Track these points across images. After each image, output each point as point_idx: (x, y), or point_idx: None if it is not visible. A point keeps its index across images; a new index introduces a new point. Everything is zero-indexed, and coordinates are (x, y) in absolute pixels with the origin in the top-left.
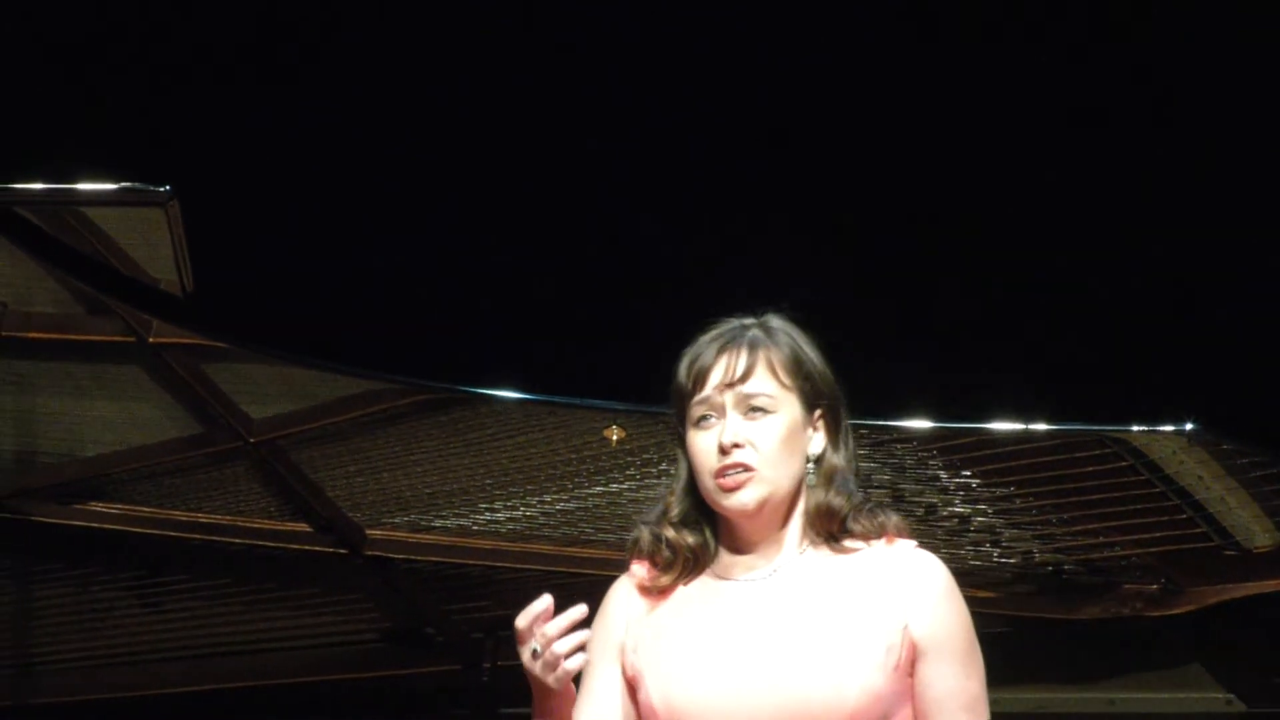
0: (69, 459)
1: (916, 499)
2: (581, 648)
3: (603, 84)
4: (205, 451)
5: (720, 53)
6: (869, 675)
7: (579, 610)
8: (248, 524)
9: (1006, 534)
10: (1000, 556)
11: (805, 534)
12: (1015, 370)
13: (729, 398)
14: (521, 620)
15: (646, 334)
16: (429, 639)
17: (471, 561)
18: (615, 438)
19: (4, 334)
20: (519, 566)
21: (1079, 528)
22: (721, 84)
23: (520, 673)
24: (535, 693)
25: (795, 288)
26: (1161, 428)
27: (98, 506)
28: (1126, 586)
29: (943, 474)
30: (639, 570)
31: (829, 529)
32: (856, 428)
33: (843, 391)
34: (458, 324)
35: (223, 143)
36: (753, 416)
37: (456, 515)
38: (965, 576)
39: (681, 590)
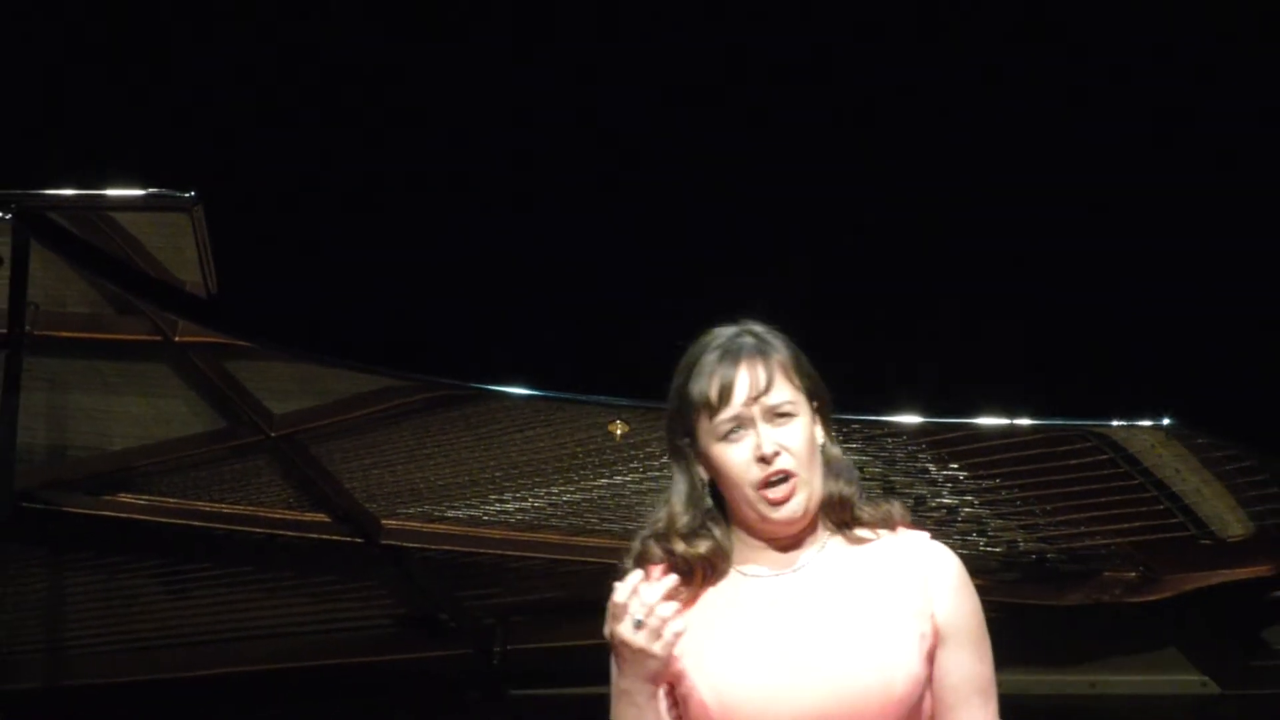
0: (98, 453)
1: (907, 491)
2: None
3: (606, 86)
4: (228, 445)
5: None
6: (911, 662)
7: (673, 578)
8: (268, 514)
9: (992, 524)
10: (987, 546)
11: (823, 526)
12: (1001, 367)
13: (756, 410)
14: (620, 594)
15: (648, 333)
16: (442, 625)
17: (483, 550)
18: (619, 432)
19: (37, 333)
20: (528, 555)
21: (1061, 518)
22: (690, 78)
23: (528, 657)
24: (627, 681)
25: (784, 287)
26: (1140, 422)
27: (126, 498)
28: (1107, 574)
29: (932, 467)
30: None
31: (841, 518)
32: (850, 422)
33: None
34: (470, 324)
35: (245, 150)
36: (779, 423)
37: (468, 506)
38: None
39: (710, 590)
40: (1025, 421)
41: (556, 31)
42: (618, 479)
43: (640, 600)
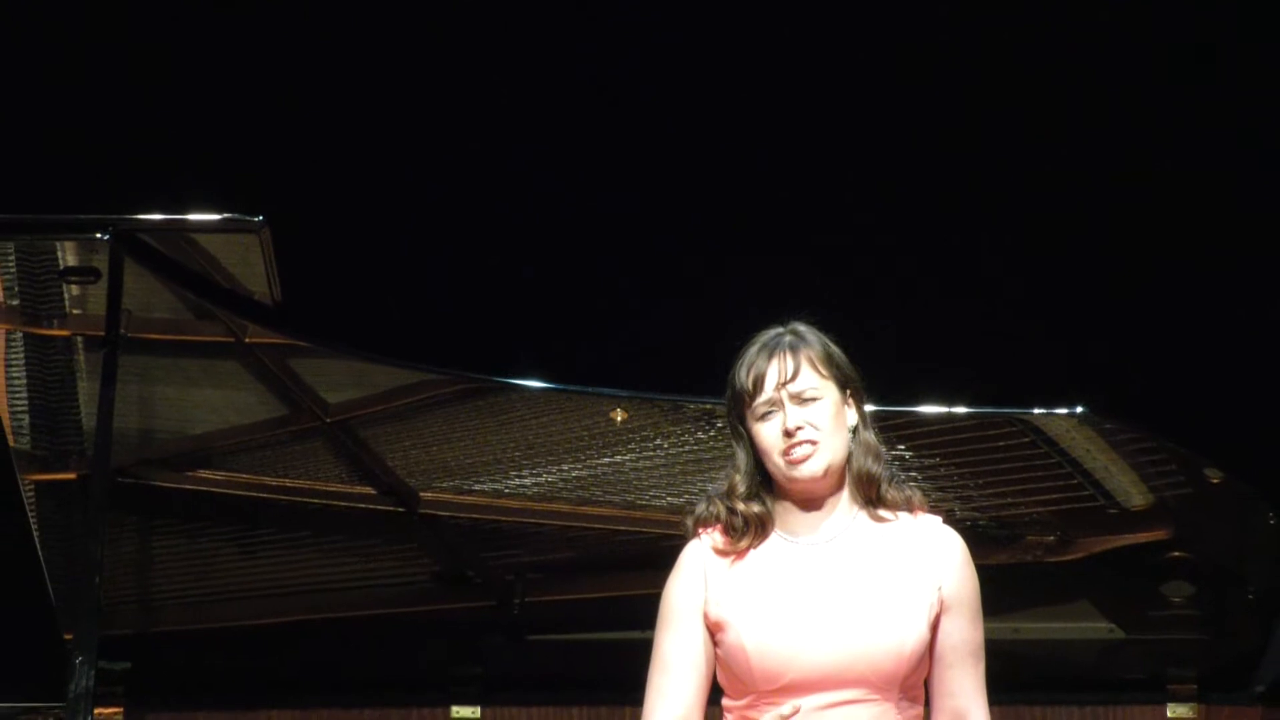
0: (181, 435)
1: None
2: None
3: (612, 93)
4: (290, 430)
5: (705, 57)
6: (919, 627)
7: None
8: (324, 487)
9: (933, 496)
10: None
11: (852, 501)
12: (941, 362)
13: (784, 395)
14: None
15: (645, 333)
16: (470, 580)
17: (504, 518)
18: (619, 418)
19: (130, 335)
20: (542, 522)
21: (992, 491)
22: (690, 75)
23: (543, 607)
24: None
25: (753, 286)
26: (1057, 410)
27: (204, 473)
28: (1029, 538)
29: (881, 448)
30: (714, 536)
31: (868, 495)
32: None
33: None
34: (493, 325)
35: (307, 181)
36: (805, 404)
37: (492, 481)
38: None
39: (755, 551)
40: (961, 409)
41: (566, 33)
42: (618, 458)
43: None
